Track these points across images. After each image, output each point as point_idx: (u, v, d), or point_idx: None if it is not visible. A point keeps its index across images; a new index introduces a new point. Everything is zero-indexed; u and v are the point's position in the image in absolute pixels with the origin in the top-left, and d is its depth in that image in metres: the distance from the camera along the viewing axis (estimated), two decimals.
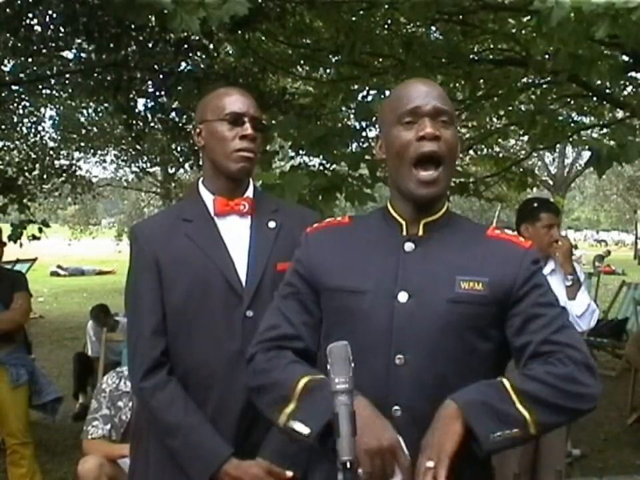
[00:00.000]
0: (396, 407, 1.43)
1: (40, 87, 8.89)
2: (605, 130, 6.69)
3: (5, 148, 11.38)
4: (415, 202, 1.50)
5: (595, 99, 6.75)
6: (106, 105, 8.20)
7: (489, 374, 1.47)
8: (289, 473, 1.76)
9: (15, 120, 11.22)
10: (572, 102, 7.16)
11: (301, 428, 1.39)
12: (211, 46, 6.43)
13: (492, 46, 6.76)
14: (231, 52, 7.43)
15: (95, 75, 6.49)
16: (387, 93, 6.33)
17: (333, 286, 1.52)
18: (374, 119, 6.99)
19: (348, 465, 1.22)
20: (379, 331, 1.45)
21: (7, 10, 5.41)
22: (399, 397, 1.43)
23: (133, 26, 5.70)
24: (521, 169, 7.67)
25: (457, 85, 6.90)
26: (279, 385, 1.47)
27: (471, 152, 8.72)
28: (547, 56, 5.44)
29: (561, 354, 1.41)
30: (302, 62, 6.90)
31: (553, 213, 3.48)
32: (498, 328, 1.47)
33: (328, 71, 7.31)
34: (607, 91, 6.44)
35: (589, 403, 1.41)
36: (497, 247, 1.51)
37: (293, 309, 1.56)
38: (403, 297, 1.46)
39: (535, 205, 3.53)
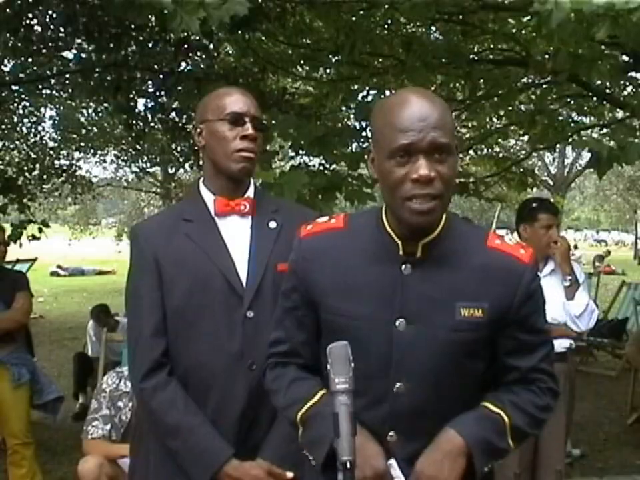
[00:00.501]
0: (391, 433, 1.44)
1: (40, 87, 8.91)
2: (605, 130, 6.69)
3: (5, 148, 11.38)
4: (409, 229, 1.42)
5: (595, 98, 6.74)
6: (106, 105, 8.20)
7: (479, 390, 1.49)
8: (290, 474, 1.76)
9: (15, 120, 11.23)
10: (572, 102, 7.14)
11: (310, 456, 1.47)
12: (211, 46, 6.44)
13: (492, 46, 6.75)
14: (231, 52, 7.43)
15: (95, 75, 6.49)
16: (387, 93, 6.33)
17: (327, 306, 1.48)
18: None
19: (348, 465, 1.22)
20: (378, 359, 1.43)
21: (7, 10, 5.41)
22: (397, 424, 1.44)
23: (133, 26, 5.71)
24: (521, 169, 7.66)
25: (457, 84, 6.90)
26: (285, 409, 1.53)
27: (471, 152, 8.71)
28: (547, 56, 5.43)
29: (544, 384, 1.51)
30: (302, 62, 6.88)
31: (551, 214, 3.47)
32: (490, 348, 1.47)
33: (328, 70, 7.30)
34: (607, 90, 6.44)
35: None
36: (497, 263, 1.45)
37: (292, 325, 1.56)
38: (401, 324, 1.43)
39: (534, 205, 3.52)
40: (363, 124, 6.34)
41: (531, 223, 3.44)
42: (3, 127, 10.61)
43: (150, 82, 6.94)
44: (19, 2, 5.45)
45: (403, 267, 1.44)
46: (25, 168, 10.46)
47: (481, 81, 6.29)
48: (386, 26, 6.35)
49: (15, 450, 3.91)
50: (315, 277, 1.50)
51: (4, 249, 4.05)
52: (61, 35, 6.24)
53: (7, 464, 4.00)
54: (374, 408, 1.43)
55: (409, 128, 1.34)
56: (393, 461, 1.39)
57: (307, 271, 1.51)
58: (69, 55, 7.00)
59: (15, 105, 10.32)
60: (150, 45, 6.24)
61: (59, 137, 13.18)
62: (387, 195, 1.42)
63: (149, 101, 7.23)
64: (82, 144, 14.01)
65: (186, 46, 6.19)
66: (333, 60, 6.39)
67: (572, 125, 6.74)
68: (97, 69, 6.40)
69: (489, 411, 1.45)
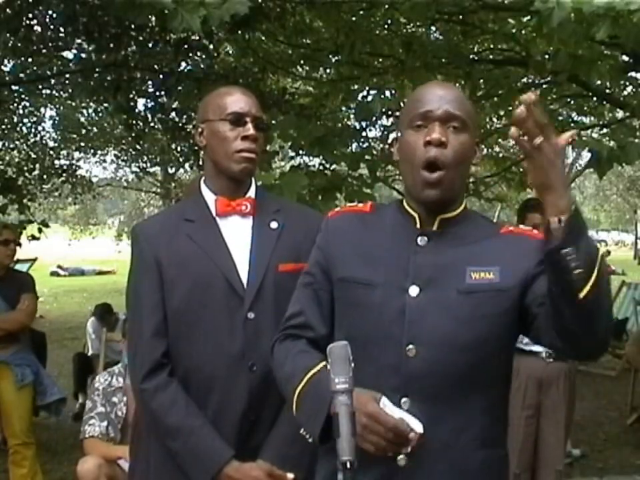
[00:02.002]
0: (405, 399, 1.43)
1: (40, 87, 8.90)
2: (605, 130, 6.68)
3: (5, 148, 11.38)
4: (423, 204, 1.50)
5: (594, 98, 6.75)
6: (106, 105, 8.19)
7: (505, 363, 1.50)
8: (290, 476, 1.76)
9: (15, 120, 11.22)
10: (572, 102, 7.15)
11: (306, 433, 1.47)
12: (211, 46, 6.44)
13: (492, 46, 6.76)
14: (231, 52, 7.43)
15: (95, 75, 6.48)
16: (387, 93, 6.34)
17: (345, 277, 1.53)
18: (374, 118, 7.01)
19: (348, 465, 1.22)
20: (390, 323, 1.46)
21: (7, 10, 5.41)
22: (410, 388, 1.44)
23: (133, 26, 5.70)
24: (521, 169, 7.65)
25: (457, 85, 6.90)
26: (287, 380, 1.54)
27: None
28: (547, 56, 5.43)
29: None
30: (302, 62, 6.89)
31: (540, 213, 3.44)
32: (512, 317, 1.46)
33: (328, 70, 7.31)
34: (607, 90, 6.44)
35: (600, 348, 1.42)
36: (511, 240, 1.51)
37: (308, 298, 1.60)
38: (414, 290, 1.46)
39: (525, 206, 3.54)
40: (363, 124, 6.35)
41: (522, 223, 3.45)
42: (3, 127, 10.61)
43: (150, 82, 6.94)
44: (18, 2, 5.45)
45: (419, 238, 1.51)
46: (25, 168, 10.45)
47: (481, 81, 6.29)
48: (386, 26, 6.35)
49: (16, 450, 3.92)
50: (337, 249, 1.57)
51: (14, 247, 4.07)
52: (61, 35, 6.23)
53: (7, 463, 4.00)
54: (386, 374, 1.44)
55: (427, 99, 1.49)
56: (384, 399, 1.38)
57: (330, 244, 1.59)
58: (69, 54, 7.01)
59: (15, 104, 10.31)
60: (150, 45, 6.23)
61: (59, 137, 13.18)
62: (404, 166, 1.51)
63: (148, 100, 7.22)
64: (82, 144, 14.01)
65: (186, 46, 6.19)
66: (333, 60, 6.40)
67: (572, 124, 6.74)
68: (97, 69, 6.39)
69: None
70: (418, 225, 1.52)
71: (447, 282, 1.45)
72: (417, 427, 1.36)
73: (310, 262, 1.63)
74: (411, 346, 1.44)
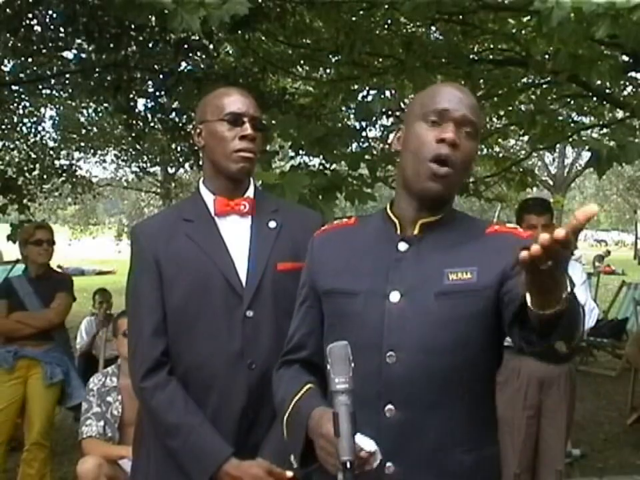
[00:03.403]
0: (390, 406, 1.43)
1: (40, 87, 8.92)
2: (605, 130, 6.69)
3: (5, 148, 11.39)
4: (419, 197, 1.48)
5: (594, 98, 6.75)
6: (106, 105, 8.21)
7: (490, 365, 1.48)
8: (289, 473, 1.76)
9: (15, 120, 11.23)
10: (572, 102, 7.15)
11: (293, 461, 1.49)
12: (211, 46, 6.44)
13: (492, 46, 6.76)
14: (230, 52, 7.44)
15: (95, 75, 6.49)
16: (387, 93, 6.35)
17: (328, 289, 1.54)
18: (374, 118, 7.01)
19: (348, 465, 1.22)
20: (371, 330, 1.45)
21: (7, 10, 5.41)
22: (393, 395, 1.43)
23: (133, 26, 5.71)
24: (521, 169, 7.65)
25: None
26: (279, 409, 1.56)
27: None
28: (546, 56, 5.43)
29: None
30: (302, 62, 6.90)
31: (535, 214, 3.43)
32: (492, 316, 1.44)
33: (328, 70, 7.31)
34: (607, 91, 6.44)
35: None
36: (494, 241, 1.49)
37: (299, 318, 1.62)
38: (394, 296, 1.46)
39: (522, 206, 3.53)
40: (363, 124, 6.35)
41: (519, 224, 3.45)
42: (3, 127, 10.62)
43: (150, 82, 6.95)
44: (18, 2, 5.45)
45: (400, 244, 1.50)
46: (25, 168, 10.46)
47: (481, 81, 6.29)
48: (386, 26, 6.35)
49: (29, 449, 3.91)
50: (320, 265, 1.58)
51: (50, 248, 4.08)
52: (61, 35, 6.24)
53: (8, 463, 4.00)
54: (369, 381, 1.43)
55: (446, 98, 1.48)
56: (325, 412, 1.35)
57: (314, 261, 1.60)
58: (69, 55, 7.03)
59: (15, 104, 10.33)
60: (150, 45, 6.24)
61: (59, 137, 13.20)
62: (408, 157, 1.49)
63: (148, 100, 7.23)
64: (82, 144, 14.07)
65: (186, 46, 6.19)
66: (333, 60, 6.40)
67: (572, 124, 6.73)
68: (97, 69, 6.40)
69: None
70: (398, 231, 1.51)
71: (426, 286, 1.44)
72: (367, 445, 1.34)
73: (300, 282, 1.64)
74: (390, 352, 1.43)
